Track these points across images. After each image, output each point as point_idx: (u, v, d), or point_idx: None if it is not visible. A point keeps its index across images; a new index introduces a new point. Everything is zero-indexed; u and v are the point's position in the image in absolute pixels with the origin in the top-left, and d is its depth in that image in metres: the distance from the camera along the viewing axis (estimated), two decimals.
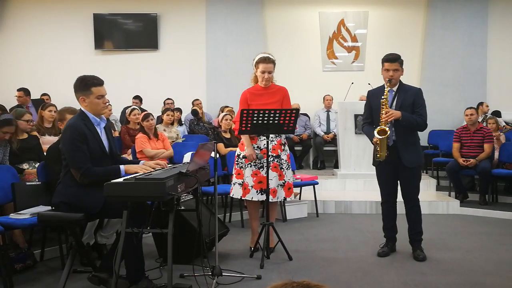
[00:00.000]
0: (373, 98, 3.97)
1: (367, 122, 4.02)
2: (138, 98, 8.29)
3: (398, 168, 3.88)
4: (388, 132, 3.71)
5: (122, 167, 3.09)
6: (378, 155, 3.81)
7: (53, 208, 3.12)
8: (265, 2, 9.03)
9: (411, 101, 3.84)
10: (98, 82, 3.11)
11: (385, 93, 3.78)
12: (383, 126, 3.73)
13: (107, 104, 3.14)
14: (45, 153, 4.18)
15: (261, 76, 4.02)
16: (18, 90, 7.36)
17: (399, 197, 4.00)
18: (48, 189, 3.81)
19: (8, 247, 3.45)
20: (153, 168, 3.12)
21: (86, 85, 3.08)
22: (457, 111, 8.36)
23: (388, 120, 3.72)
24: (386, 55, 3.90)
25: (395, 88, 3.86)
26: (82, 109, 3.13)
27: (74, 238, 3.21)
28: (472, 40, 8.80)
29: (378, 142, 3.76)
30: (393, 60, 3.83)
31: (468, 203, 6.04)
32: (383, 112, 3.74)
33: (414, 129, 3.89)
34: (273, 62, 4.03)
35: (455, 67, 8.80)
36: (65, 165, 3.09)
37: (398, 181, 3.97)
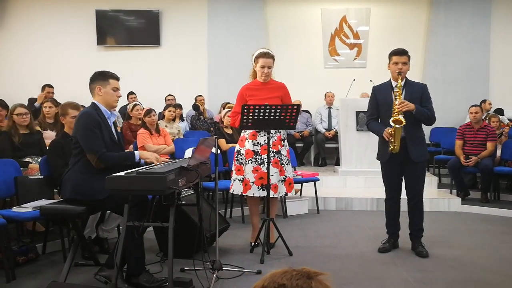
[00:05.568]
0: (380, 93, 3.94)
1: (372, 118, 3.98)
2: (133, 93, 8.26)
3: (404, 164, 3.86)
4: (404, 122, 3.65)
5: (136, 152, 3.23)
6: (391, 147, 3.76)
7: (60, 197, 3.16)
8: None
9: (419, 96, 3.83)
10: (116, 76, 3.29)
11: (398, 85, 3.75)
12: (398, 116, 3.68)
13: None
14: (47, 148, 4.22)
15: (260, 70, 4.02)
16: (48, 86, 7.55)
17: (403, 194, 4.00)
18: (50, 183, 3.84)
19: (11, 239, 3.48)
20: (161, 161, 3.24)
21: (105, 76, 3.23)
22: (459, 109, 8.35)
23: (403, 110, 3.67)
24: (394, 49, 3.89)
25: (402, 83, 3.83)
26: (94, 101, 3.20)
27: (76, 232, 3.23)
28: (475, 38, 8.77)
29: (392, 132, 3.71)
30: (402, 53, 3.83)
31: (469, 201, 6.04)
32: (397, 102, 3.71)
33: (425, 122, 3.87)
34: (272, 57, 4.03)
35: (458, 64, 8.77)
36: (76, 153, 3.12)
37: (403, 178, 3.96)
